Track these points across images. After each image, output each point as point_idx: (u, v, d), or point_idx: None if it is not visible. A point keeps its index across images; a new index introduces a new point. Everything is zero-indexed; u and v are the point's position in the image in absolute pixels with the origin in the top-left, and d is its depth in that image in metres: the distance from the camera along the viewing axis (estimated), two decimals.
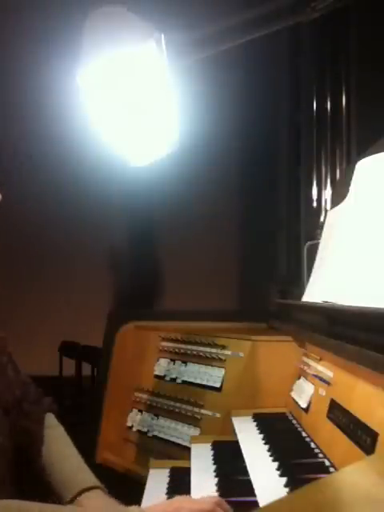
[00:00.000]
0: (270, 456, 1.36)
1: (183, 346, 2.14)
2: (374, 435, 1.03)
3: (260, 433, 1.57)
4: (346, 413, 1.20)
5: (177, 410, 2.03)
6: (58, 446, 1.36)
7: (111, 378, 2.39)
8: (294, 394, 1.68)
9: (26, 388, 1.42)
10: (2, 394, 1.27)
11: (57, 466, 1.30)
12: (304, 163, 2.89)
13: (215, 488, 1.36)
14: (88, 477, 1.28)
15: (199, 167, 4.05)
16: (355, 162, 1.52)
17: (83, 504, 1.20)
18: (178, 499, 1.18)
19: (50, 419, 1.43)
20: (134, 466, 2.12)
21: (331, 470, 1.23)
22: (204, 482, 1.41)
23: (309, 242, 2.06)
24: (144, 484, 1.60)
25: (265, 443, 1.47)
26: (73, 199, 4.37)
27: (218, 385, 1.92)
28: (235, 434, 1.61)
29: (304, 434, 1.50)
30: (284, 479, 1.18)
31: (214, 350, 2.00)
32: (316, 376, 1.50)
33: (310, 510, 0.58)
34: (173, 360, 2.16)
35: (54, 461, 1.31)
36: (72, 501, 1.22)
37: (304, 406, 1.53)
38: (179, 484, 1.52)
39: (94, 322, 2.67)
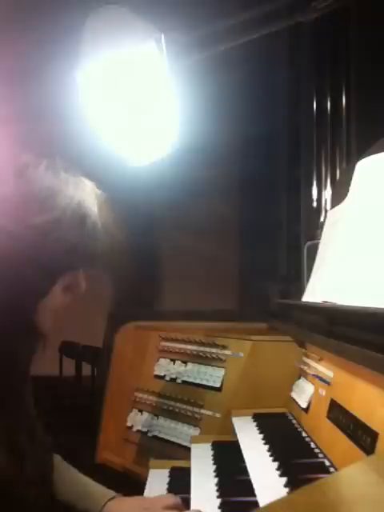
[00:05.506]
0: (270, 456, 1.36)
1: (183, 345, 2.14)
2: (373, 435, 1.03)
3: (260, 433, 1.57)
4: (346, 413, 1.20)
5: (177, 410, 2.03)
6: (65, 469, 1.39)
7: (111, 378, 2.39)
8: (294, 394, 1.68)
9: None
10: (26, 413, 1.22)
11: (72, 487, 1.35)
12: (304, 163, 2.89)
13: (215, 488, 1.36)
14: (104, 488, 1.37)
15: (199, 167, 4.05)
16: (355, 162, 1.52)
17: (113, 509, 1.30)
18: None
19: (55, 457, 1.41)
20: (134, 466, 2.12)
21: (331, 470, 1.23)
22: (204, 482, 1.41)
23: (309, 242, 2.06)
24: (144, 484, 1.60)
25: (265, 443, 1.47)
26: None
27: (218, 385, 1.92)
28: (235, 434, 1.61)
29: (304, 434, 1.50)
30: (284, 479, 1.18)
31: (213, 350, 2.00)
32: (316, 376, 1.50)
33: (310, 510, 0.58)
34: (173, 360, 2.16)
35: (66, 482, 1.35)
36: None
37: (304, 406, 1.53)
38: (179, 484, 1.52)
39: (94, 321, 2.67)
